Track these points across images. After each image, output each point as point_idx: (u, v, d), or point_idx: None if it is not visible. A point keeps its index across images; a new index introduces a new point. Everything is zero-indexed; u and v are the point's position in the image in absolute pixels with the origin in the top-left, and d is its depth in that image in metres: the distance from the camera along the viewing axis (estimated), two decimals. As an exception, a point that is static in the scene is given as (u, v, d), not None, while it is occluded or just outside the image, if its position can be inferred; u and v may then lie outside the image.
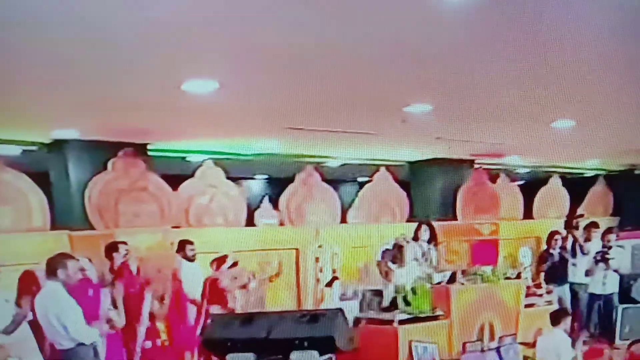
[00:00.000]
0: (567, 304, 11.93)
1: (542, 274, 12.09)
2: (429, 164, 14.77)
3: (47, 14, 5.66)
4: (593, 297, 11.54)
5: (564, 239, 12.34)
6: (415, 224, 11.89)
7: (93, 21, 5.83)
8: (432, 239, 11.16)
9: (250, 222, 12.13)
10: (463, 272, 10.46)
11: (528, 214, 15.18)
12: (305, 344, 7.48)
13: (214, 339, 7.93)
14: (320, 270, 12.46)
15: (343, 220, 13.09)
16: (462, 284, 10.25)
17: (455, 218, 14.23)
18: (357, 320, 10.18)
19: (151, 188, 10.75)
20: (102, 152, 10.69)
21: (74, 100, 8.73)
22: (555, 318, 9.06)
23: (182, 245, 10.36)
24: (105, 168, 10.63)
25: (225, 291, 9.43)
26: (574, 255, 12.08)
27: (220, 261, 9.70)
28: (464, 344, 9.87)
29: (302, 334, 7.53)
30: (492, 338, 10.31)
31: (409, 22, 6.46)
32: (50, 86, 8.09)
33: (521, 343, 10.28)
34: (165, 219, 10.86)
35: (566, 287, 12.00)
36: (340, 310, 8.06)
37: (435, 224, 13.08)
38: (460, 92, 9.30)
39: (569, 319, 9.19)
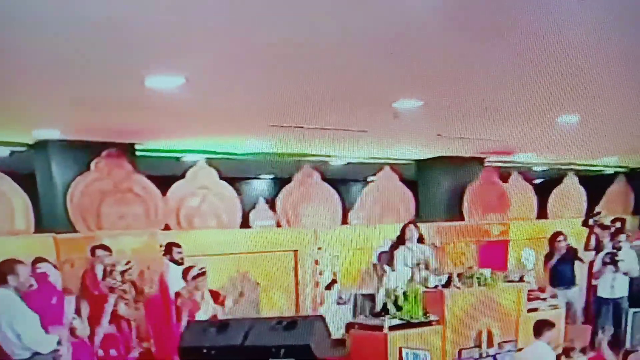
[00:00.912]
0: (577, 307, 11.40)
1: (548, 277, 11.51)
2: (436, 162, 14.25)
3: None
4: (601, 301, 10.97)
5: (596, 238, 11.71)
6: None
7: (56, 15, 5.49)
8: (420, 240, 10.63)
9: (245, 224, 11.71)
10: (459, 275, 9.96)
11: (543, 213, 14.56)
12: (282, 352, 7.19)
13: (189, 346, 7.65)
14: (320, 274, 12.03)
15: (344, 221, 12.61)
16: (458, 287, 9.75)
17: (462, 218, 13.67)
18: (349, 326, 9.78)
19: (136, 189, 10.41)
20: (87, 153, 10.34)
21: (48, 99, 8.39)
22: (538, 329, 8.50)
23: (169, 248, 10.02)
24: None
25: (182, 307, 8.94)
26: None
27: (187, 271, 9.25)
28: (459, 351, 9.44)
29: (278, 341, 7.25)
30: (490, 344, 9.81)
31: (395, 12, 5.97)
32: (25, 84, 7.73)
33: (522, 349, 9.77)
34: (151, 221, 10.52)
35: (574, 290, 11.44)
36: (321, 317, 7.72)
37: (439, 224, 12.74)
38: (452, 87, 8.80)
39: (553, 331, 8.62)
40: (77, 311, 7.68)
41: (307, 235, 12.08)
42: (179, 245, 10.01)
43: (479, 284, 9.92)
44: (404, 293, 9.46)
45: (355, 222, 12.81)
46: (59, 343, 7.12)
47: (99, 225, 10.11)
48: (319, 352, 7.22)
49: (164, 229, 10.91)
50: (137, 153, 11.21)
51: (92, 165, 10.23)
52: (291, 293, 12.02)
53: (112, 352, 8.34)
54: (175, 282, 9.75)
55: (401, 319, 9.26)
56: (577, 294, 11.59)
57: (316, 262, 12.05)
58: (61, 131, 9.99)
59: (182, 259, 10.05)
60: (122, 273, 8.66)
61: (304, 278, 12.04)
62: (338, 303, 11.09)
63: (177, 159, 12.39)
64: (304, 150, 12.71)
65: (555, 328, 8.67)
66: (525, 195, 14.40)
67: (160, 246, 10.19)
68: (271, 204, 12.12)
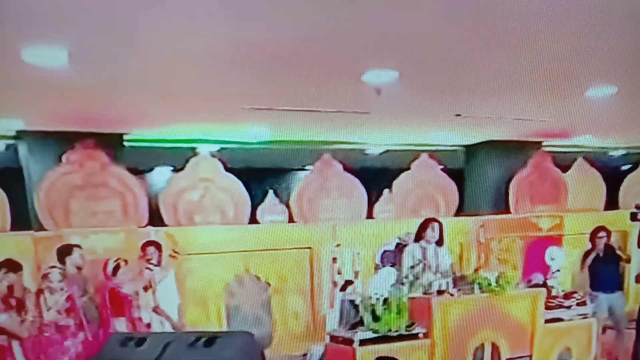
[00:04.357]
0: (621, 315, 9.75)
1: (587, 280, 9.87)
2: (485, 148, 12.70)
3: None
4: (643, 309, 9.25)
5: None
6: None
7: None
8: (439, 240, 9.27)
9: (254, 219, 10.75)
10: (455, 279, 8.58)
11: (613, 204, 12.75)
12: (196, 373, 6.40)
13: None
14: (339, 273, 10.91)
15: (370, 215, 11.38)
16: (452, 294, 8.38)
17: (508, 211, 12.10)
18: (331, 338, 8.64)
19: (112, 183, 9.60)
20: (63, 144, 9.65)
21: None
22: None
23: (143, 248, 9.19)
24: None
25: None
26: None
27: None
28: (453, 368, 8.10)
29: (194, 360, 6.43)
30: (496, 361, 8.41)
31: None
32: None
33: (537, 367, 8.34)
34: (130, 217, 9.70)
35: (619, 294, 9.78)
36: (247, 333, 6.79)
37: (484, 218, 11.38)
38: (435, 54, 7.43)
39: None
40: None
41: (323, 231, 10.99)
42: (151, 244, 9.18)
43: (482, 290, 8.47)
44: (385, 300, 8.17)
45: (382, 216, 11.53)
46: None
47: (68, 223, 9.37)
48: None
49: (160, 226, 10.11)
50: (126, 144, 10.40)
51: (64, 158, 9.48)
52: (306, 295, 10.97)
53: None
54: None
55: (376, 332, 7.99)
56: (622, 300, 9.88)
57: (334, 260, 10.91)
58: (25, 121, 9.30)
59: (160, 259, 9.21)
60: None
61: (320, 278, 10.96)
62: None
63: (192, 149, 11.44)
64: (326, 138, 11.55)
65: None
66: (590, 184, 12.62)
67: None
68: (283, 197, 11.07)
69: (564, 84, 8.79)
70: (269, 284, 10.75)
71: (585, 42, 7.15)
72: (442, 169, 12.03)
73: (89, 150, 9.52)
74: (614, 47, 7.37)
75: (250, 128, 10.58)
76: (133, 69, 7.29)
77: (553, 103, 9.29)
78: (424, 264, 9.10)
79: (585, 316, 9.19)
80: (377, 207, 11.50)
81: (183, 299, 9.64)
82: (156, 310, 8.84)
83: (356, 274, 10.95)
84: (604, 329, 9.85)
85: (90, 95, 8.26)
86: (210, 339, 6.43)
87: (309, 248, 10.91)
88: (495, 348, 8.49)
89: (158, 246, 9.24)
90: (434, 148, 12.27)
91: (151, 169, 11.16)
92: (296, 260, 10.85)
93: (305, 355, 9.92)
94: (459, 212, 11.96)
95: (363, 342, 7.96)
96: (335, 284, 10.89)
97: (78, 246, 8.63)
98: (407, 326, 8.13)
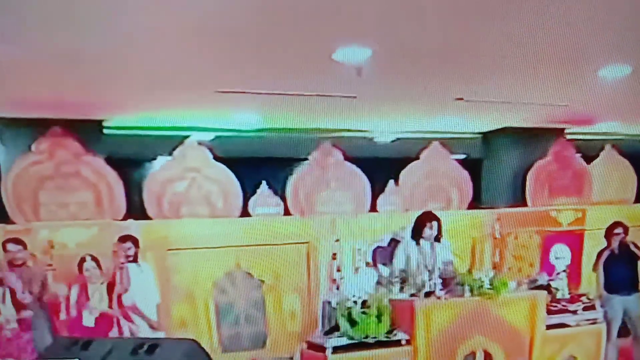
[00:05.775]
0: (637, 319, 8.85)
1: (602, 280, 8.96)
2: (502, 136, 11.78)
3: None
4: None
5: None
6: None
7: None
8: (438, 237, 8.48)
9: (246, 212, 10.09)
10: (445, 281, 7.77)
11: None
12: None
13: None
14: (338, 270, 10.17)
15: (374, 209, 10.60)
16: (438, 297, 7.58)
17: (525, 203, 11.18)
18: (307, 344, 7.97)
19: (86, 173, 9.04)
20: (35, 132, 9.12)
21: None
22: None
23: (118, 242, 8.61)
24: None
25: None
26: None
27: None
28: (440, 379, 7.32)
29: (133, 368, 5.94)
30: (487, 370, 7.61)
31: None
32: None
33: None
34: (104, 209, 9.12)
35: (636, 296, 8.87)
36: (192, 340, 6.17)
37: (500, 211, 10.54)
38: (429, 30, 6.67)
39: None
40: None
41: (321, 225, 10.27)
42: (127, 239, 8.57)
43: (472, 293, 7.65)
44: (364, 303, 7.42)
45: (387, 208, 10.74)
46: None
47: (37, 216, 8.84)
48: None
49: (143, 218, 9.52)
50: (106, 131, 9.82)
51: (33, 146, 8.97)
52: (303, 293, 10.27)
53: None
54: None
55: (352, 338, 7.24)
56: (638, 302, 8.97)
57: (334, 257, 10.17)
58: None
59: (136, 254, 8.61)
60: None
61: (317, 275, 10.23)
62: (328, 307, 9.25)
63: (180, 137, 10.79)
64: (327, 125, 10.80)
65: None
66: (619, 174, 11.63)
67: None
68: (278, 188, 10.36)
69: (575, 64, 7.96)
70: (262, 281, 10.04)
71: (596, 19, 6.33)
72: (454, 159, 11.15)
73: (60, 138, 8.95)
74: (628, 25, 6.54)
75: (239, 115, 9.86)
76: (110, 54, 6.73)
77: (562, 85, 8.43)
78: (419, 263, 8.31)
79: (594, 321, 8.28)
80: (382, 199, 10.69)
81: (167, 297, 9.07)
82: (133, 310, 8.29)
83: (357, 270, 10.19)
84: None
85: (65, 80, 7.79)
86: (153, 346, 5.93)
87: (306, 243, 10.15)
88: (488, 356, 7.66)
89: (135, 241, 8.62)
90: (445, 136, 11.36)
91: (134, 159, 10.47)
92: (292, 256, 10.16)
93: (291, 358, 9.28)
94: (473, 204, 11.07)
95: (337, 349, 7.21)
96: (334, 281, 10.18)
97: (15, 241, 8.07)
98: (387, 332, 7.34)
